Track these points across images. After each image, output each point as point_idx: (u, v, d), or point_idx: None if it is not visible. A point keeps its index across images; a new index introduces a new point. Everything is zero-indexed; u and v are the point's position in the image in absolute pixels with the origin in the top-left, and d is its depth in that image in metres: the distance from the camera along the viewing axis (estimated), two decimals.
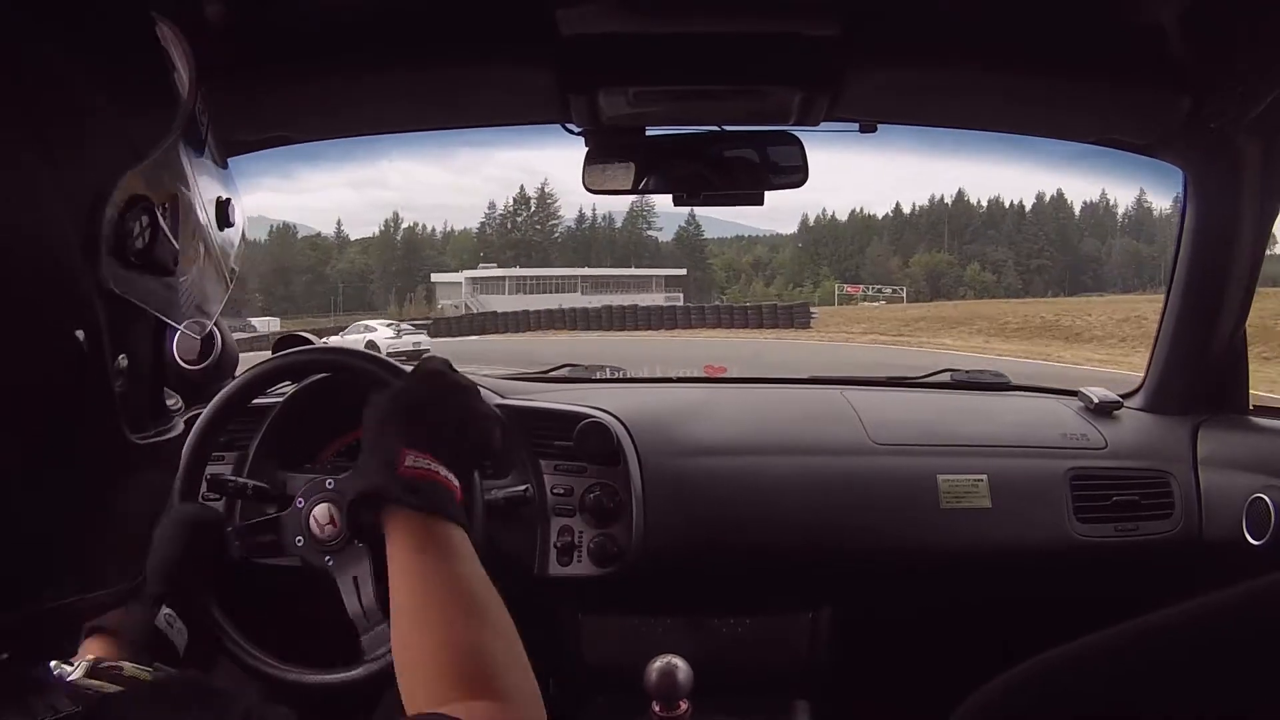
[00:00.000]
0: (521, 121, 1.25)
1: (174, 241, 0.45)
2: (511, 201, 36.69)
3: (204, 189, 0.49)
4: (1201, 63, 1.06)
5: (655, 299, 27.19)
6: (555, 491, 1.26)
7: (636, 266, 32.28)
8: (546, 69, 1.06)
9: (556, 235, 36.66)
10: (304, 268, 34.24)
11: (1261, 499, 1.20)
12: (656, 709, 1.13)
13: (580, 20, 0.99)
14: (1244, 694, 0.63)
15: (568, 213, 36.18)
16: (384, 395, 0.71)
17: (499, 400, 1.33)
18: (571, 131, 1.18)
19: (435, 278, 31.55)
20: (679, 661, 1.12)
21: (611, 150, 1.19)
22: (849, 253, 36.28)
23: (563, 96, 1.10)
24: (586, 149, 1.18)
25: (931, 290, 32.32)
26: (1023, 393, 1.59)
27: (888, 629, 1.39)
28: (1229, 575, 0.69)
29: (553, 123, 1.19)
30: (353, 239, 36.66)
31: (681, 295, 29.03)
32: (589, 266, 32.07)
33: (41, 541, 0.41)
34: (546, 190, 36.19)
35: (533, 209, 36.37)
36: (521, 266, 31.47)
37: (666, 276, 30.53)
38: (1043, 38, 1.04)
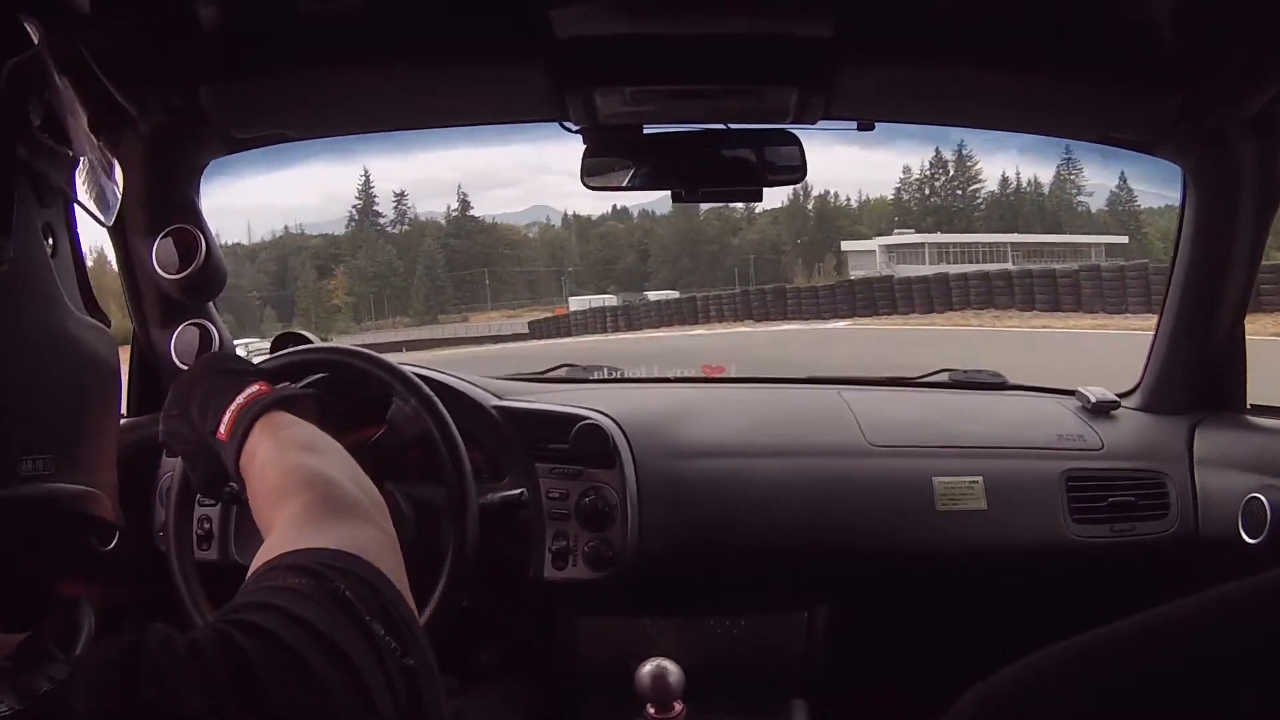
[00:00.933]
0: (519, 120, 1.25)
1: (64, 124, 0.49)
2: (928, 165, 31.41)
3: (74, 103, 0.52)
4: (1196, 60, 1.06)
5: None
6: (550, 495, 1.25)
7: (1071, 233, 27.19)
8: (542, 69, 1.06)
9: (979, 200, 31.10)
10: (709, 238, 31.62)
11: (1258, 499, 1.20)
12: (651, 711, 1.13)
13: (575, 21, 0.99)
14: (1242, 692, 0.63)
15: (990, 176, 30.79)
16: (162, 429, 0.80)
17: (496, 401, 1.33)
18: (569, 130, 1.18)
19: (845, 245, 27.93)
20: (669, 664, 1.12)
21: (609, 148, 1.19)
22: None
23: (559, 95, 1.10)
24: (584, 146, 1.18)
25: None
26: (1020, 392, 1.58)
27: (884, 628, 1.39)
28: (1225, 575, 0.68)
29: (550, 121, 1.19)
30: (764, 210, 32.68)
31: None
32: (1017, 233, 27.18)
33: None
34: (964, 153, 29.72)
35: (951, 173, 30.73)
36: (942, 233, 27.27)
37: (1106, 245, 25.26)
38: (1037, 36, 1.04)
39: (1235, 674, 0.63)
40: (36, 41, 0.50)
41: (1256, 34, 0.99)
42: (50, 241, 0.49)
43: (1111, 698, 0.67)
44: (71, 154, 0.51)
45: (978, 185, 30.97)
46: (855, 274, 23.77)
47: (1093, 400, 1.44)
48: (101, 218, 0.55)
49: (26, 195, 0.47)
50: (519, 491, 1.22)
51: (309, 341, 1.27)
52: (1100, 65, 1.09)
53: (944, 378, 1.61)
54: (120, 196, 0.58)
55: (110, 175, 0.57)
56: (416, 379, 1.10)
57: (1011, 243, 25.69)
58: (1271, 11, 0.97)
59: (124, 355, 0.85)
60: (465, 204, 31.46)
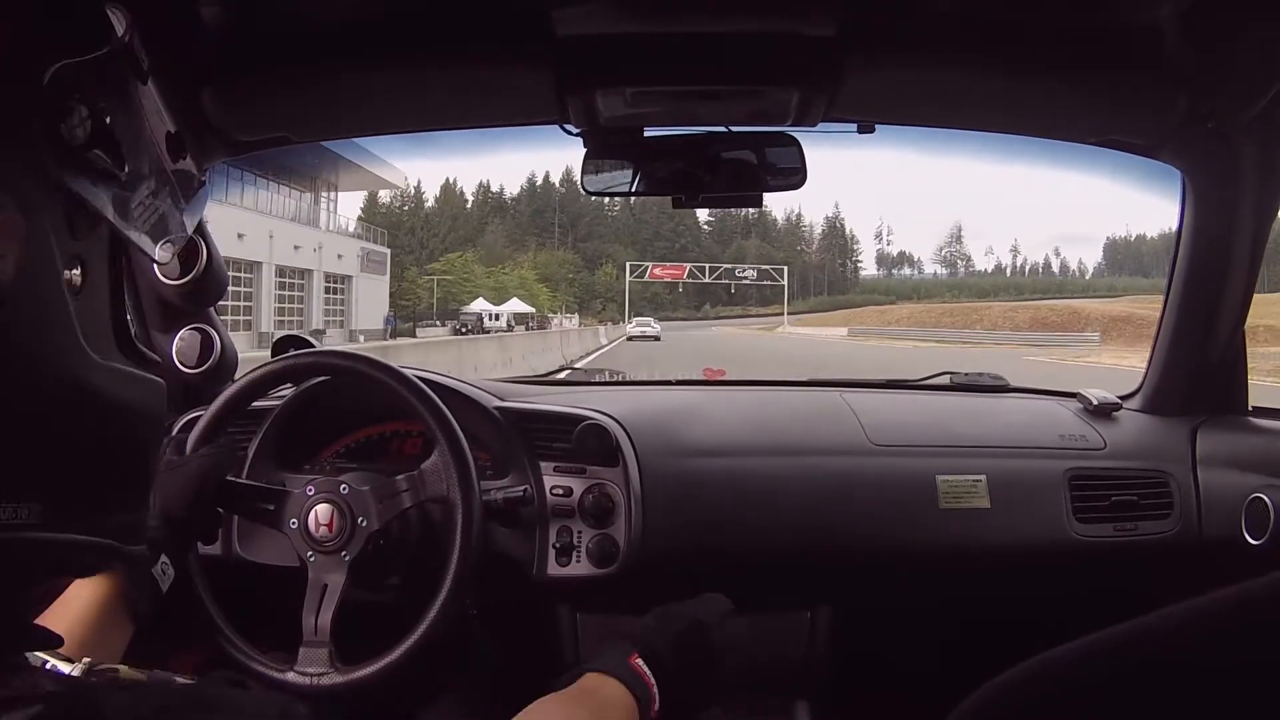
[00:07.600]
0: (520, 122, 1.25)
1: (119, 143, 0.43)
2: None
3: (151, 117, 0.49)
4: (1199, 62, 1.06)
5: None
6: (554, 493, 1.25)
7: None
8: (543, 70, 1.06)
9: None
10: None
11: (1260, 499, 1.20)
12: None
13: (577, 21, 1.00)
14: (1244, 696, 0.63)
15: None
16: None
17: (498, 403, 1.33)
18: (570, 132, 1.18)
19: None
20: None
21: (610, 151, 1.19)
22: None
23: (560, 97, 1.10)
24: (585, 150, 1.19)
25: None
26: (1021, 394, 1.59)
27: (887, 628, 1.39)
28: (1227, 575, 0.68)
29: (551, 123, 1.19)
30: None
31: None
32: None
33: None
34: None
35: None
36: None
37: None
38: (1041, 38, 1.04)
39: (1242, 676, 0.63)
40: (117, 37, 0.44)
41: (1262, 35, 0.99)
42: (78, 274, 0.43)
43: (1118, 699, 0.67)
44: (126, 174, 0.45)
45: None
46: None
47: (1094, 402, 1.45)
48: (151, 252, 0.49)
49: (44, 227, 0.40)
50: (523, 489, 1.22)
51: (310, 345, 1.27)
52: (1107, 68, 1.09)
53: (945, 380, 1.62)
54: (190, 228, 0.52)
55: (181, 201, 0.51)
56: (418, 381, 1.11)
57: None
58: (1277, 11, 0.97)
59: None
60: None
